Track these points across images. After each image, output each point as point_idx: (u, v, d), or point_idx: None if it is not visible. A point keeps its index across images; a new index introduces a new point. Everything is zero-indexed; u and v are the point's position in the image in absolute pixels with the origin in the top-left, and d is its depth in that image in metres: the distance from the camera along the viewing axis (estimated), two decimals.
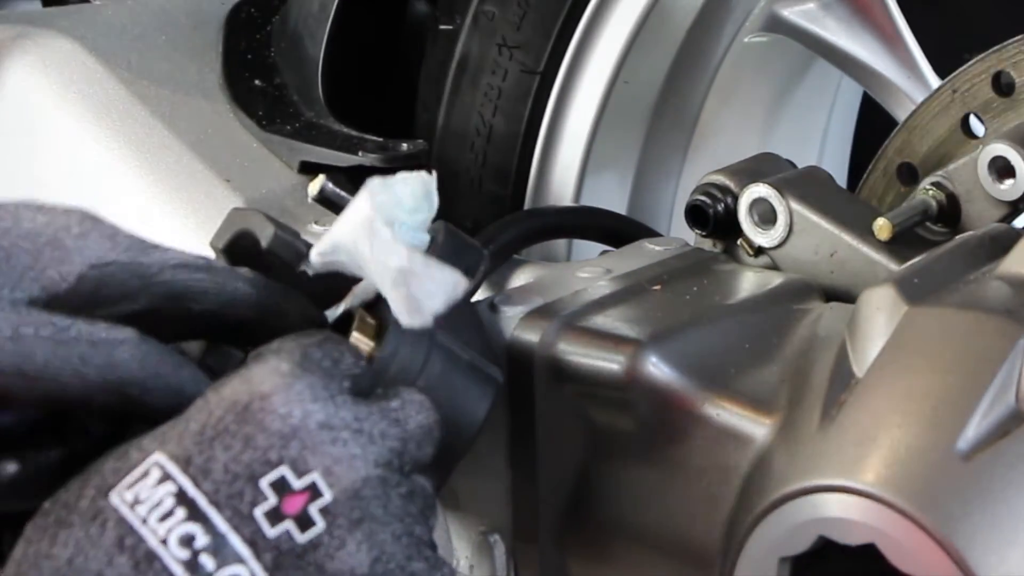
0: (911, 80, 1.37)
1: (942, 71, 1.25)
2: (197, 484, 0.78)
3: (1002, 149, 1.08)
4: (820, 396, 0.91)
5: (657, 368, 0.96)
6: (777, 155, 1.19)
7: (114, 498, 0.78)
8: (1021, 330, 0.85)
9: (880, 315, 0.90)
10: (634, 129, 1.45)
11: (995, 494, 0.81)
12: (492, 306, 1.02)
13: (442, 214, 0.95)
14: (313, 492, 0.79)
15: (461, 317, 0.97)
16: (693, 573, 0.95)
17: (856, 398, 0.87)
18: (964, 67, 1.16)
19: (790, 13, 1.42)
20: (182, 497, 0.78)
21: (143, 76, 1.50)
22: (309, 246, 0.92)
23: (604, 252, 1.20)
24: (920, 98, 1.24)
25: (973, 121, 1.17)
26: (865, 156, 1.24)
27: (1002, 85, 1.15)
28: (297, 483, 0.79)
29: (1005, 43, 1.14)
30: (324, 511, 0.79)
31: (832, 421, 0.87)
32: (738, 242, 1.14)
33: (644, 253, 1.12)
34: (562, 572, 1.02)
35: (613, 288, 1.05)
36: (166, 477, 0.78)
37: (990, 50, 1.15)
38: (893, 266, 1.06)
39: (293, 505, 0.78)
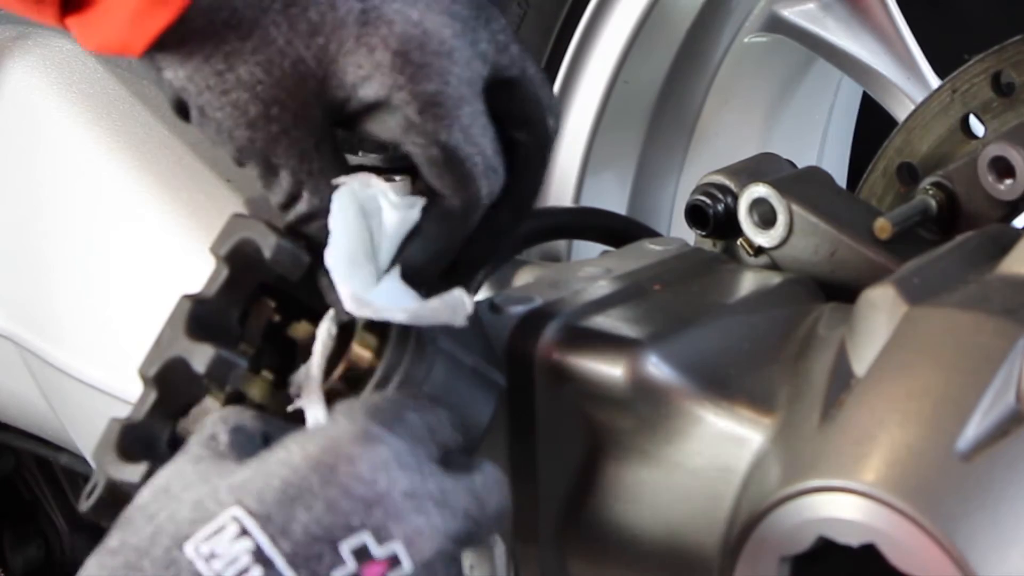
0: (911, 80, 1.37)
1: (942, 71, 1.25)
2: (275, 543, 0.76)
3: (1002, 149, 1.08)
4: (820, 396, 0.91)
5: (657, 368, 0.96)
6: (777, 155, 1.19)
7: (189, 549, 0.76)
8: (1021, 330, 0.85)
9: (880, 315, 0.90)
10: (634, 129, 1.45)
11: (995, 494, 0.81)
12: (493, 306, 1.02)
13: None
14: (393, 562, 0.77)
15: None
16: (693, 573, 0.95)
17: (856, 398, 0.87)
18: (964, 67, 1.16)
19: (790, 13, 1.42)
20: (259, 555, 0.76)
21: (143, 76, 1.50)
22: (310, 253, 0.92)
23: (604, 252, 1.20)
24: (920, 98, 1.24)
25: (973, 121, 1.17)
26: (865, 156, 1.25)
27: (1002, 85, 1.15)
28: (379, 551, 0.77)
29: (1005, 43, 1.14)
30: None
31: (832, 421, 0.87)
32: (738, 242, 1.14)
33: (644, 253, 1.12)
34: (562, 572, 1.02)
35: (613, 288, 1.05)
36: (244, 532, 0.76)
37: (990, 50, 1.15)
38: (893, 266, 1.06)
39: (372, 573, 0.77)
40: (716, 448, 0.94)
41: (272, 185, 0.91)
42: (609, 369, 0.96)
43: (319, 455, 0.78)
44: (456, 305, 0.90)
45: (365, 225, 0.91)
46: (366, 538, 0.77)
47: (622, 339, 0.97)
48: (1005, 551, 0.80)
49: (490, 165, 0.90)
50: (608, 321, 1.00)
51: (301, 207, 0.91)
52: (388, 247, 0.91)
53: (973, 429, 0.82)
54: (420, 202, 0.92)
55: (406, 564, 0.77)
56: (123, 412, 0.93)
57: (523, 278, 1.15)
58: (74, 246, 1.48)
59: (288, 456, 0.79)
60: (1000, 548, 0.79)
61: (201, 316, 0.91)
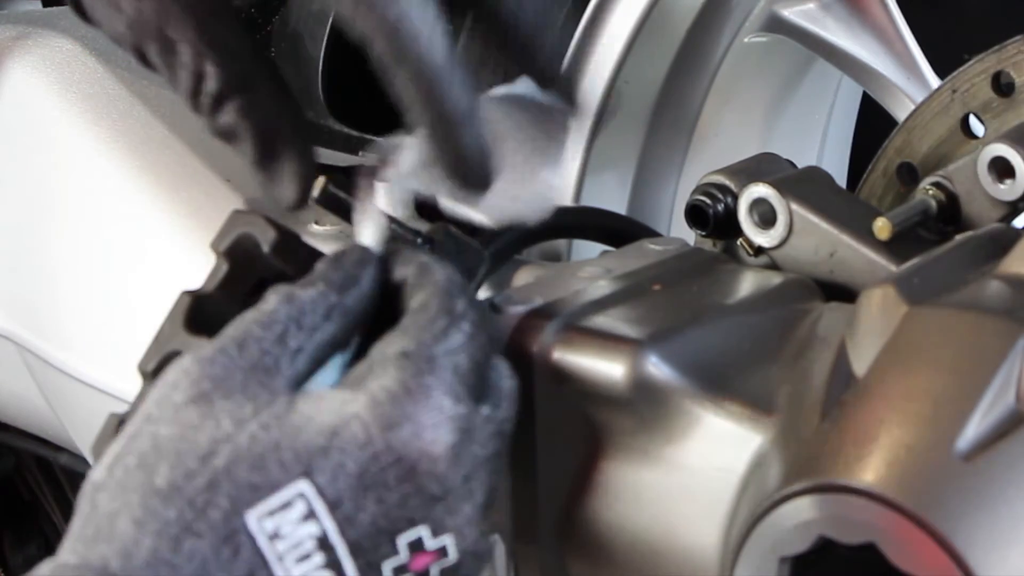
0: (911, 80, 1.36)
1: (942, 71, 1.25)
2: (342, 532, 0.75)
3: (1002, 149, 1.08)
4: (820, 396, 0.91)
5: (657, 368, 0.96)
6: (777, 155, 1.19)
7: (251, 521, 0.74)
8: (1021, 330, 0.85)
9: (880, 315, 0.90)
10: (634, 129, 1.45)
11: (995, 494, 0.81)
12: (492, 306, 1.02)
13: (443, 215, 0.95)
14: (441, 553, 0.78)
15: None
16: (693, 573, 0.95)
17: (856, 398, 0.87)
18: (964, 67, 1.16)
19: (790, 13, 1.42)
20: (323, 542, 0.74)
21: (143, 76, 1.50)
22: (310, 249, 0.92)
23: (604, 252, 1.20)
24: (920, 98, 1.24)
25: (973, 121, 1.17)
26: (865, 156, 1.25)
27: (1002, 85, 1.15)
28: (431, 543, 0.77)
29: (1005, 43, 1.14)
30: (445, 571, 0.78)
31: (832, 421, 0.87)
32: (738, 242, 1.14)
33: (644, 253, 1.12)
34: (562, 572, 1.02)
35: (613, 288, 1.05)
36: (311, 515, 0.74)
37: (990, 50, 1.15)
38: (893, 266, 1.06)
39: (420, 563, 0.77)
40: (716, 448, 0.94)
41: (174, 69, 0.86)
42: (609, 369, 0.96)
43: (402, 448, 0.76)
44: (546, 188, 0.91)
45: None
46: (423, 532, 0.77)
47: (622, 339, 0.97)
48: (1005, 551, 0.80)
49: None
50: (608, 321, 1.00)
51: (210, 85, 0.87)
52: None
53: (973, 429, 0.82)
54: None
55: (452, 554, 0.78)
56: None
57: (523, 278, 1.15)
58: (74, 246, 1.48)
59: (368, 437, 0.76)
60: (1000, 548, 0.79)
61: (200, 311, 0.92)
